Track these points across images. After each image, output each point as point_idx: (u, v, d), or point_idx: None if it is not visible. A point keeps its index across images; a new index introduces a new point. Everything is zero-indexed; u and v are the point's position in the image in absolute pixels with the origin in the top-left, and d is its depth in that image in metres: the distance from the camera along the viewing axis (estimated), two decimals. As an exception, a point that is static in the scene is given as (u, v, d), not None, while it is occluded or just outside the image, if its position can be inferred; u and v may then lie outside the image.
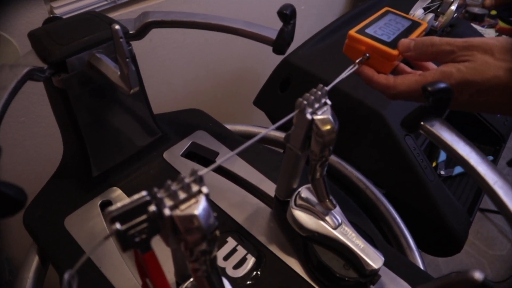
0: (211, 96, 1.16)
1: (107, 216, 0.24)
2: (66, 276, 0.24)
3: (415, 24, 0.49)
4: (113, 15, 0.82)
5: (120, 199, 0.53)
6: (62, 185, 0.54)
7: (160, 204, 0.26)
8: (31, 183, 0.85)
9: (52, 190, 0.54)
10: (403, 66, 0.47)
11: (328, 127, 0.35)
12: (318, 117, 0.35)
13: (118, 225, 0.24)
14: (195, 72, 1.06)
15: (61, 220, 0.49)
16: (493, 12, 1.47)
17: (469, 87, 0.39)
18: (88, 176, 0.53)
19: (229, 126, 0.67)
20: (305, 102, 0.35)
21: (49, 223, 0.50)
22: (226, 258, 0.46)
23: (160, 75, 0.98)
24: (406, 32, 0.47)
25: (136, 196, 0.25)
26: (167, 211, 0.26)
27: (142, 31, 0.49)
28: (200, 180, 0.27)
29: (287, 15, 0.41)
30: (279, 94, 0.76)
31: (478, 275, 0.22)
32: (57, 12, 0.74)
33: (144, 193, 0.26)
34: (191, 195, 0.27)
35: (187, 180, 0.27)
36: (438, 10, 0.62)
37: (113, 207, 0.24)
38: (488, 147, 0.83)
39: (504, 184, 0.33)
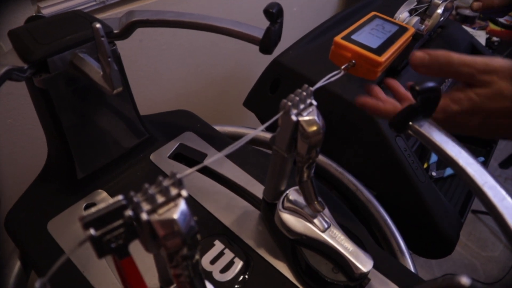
0: (202, 97, 1.15)
1: (81, 221, 0.23)
2: (38, 284, 0.23)
3: (402, 29, 0.48)
4: (102, 16, 0.81)
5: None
6: (45, 187, 0.53)
7: (137, 209, 0.25)
8: (18, 186, 0.83)
9: (35, 193, 0.53)
10: (405, 92, 0.47)
11: (314, 128, 0.35)
12: (303, 118, 0.34)
13: (92, 231, 0.23)
14: (185, 73, 1.05)
15: (44, 224, 0.48)
16: (485, 14, 1.47)
17: (480, 113, 0.39)
18: (72, 178, 0.51)
19: (218, 128, 0.66)
20: (289, 103, 0.34)
21: (31, 226, 0.48)
22: (213, 261, 0.45)
23: (150, 76, 0.97)
24: (393, 38, 0.46)
25: (111, 201, 0.24)
26: (144, 216, 0.25)
27: (127, 31, 0.47)
28: (179, 183, 0.26)
29: (274, 14, 0.40)
30: (269, 95, 0.75)
31: (465, 280, 0.21)
32: (44, 12, 0.73)
33: (120, 197, 0.25)
34: (170, 199, 0.26)
35: (165, 183, 0.26)
36: (426, 13, 0.61)
37: (87, 212, 0.24)
38: (479, 148, 0.83)
39: (494, 185, 0.33)
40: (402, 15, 0.54)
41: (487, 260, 1.51)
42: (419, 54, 0.42)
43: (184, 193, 0.26)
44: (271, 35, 0.43)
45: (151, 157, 0.57)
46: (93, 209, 0.24)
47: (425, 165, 0.77)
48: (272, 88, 0.75)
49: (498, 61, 0.39)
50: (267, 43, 0.43)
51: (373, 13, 0.51)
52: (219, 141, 0.60)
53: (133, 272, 0.27)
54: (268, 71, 0.76)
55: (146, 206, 0.25)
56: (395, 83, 0.48)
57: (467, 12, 1.42)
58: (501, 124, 0.39)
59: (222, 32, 0.46)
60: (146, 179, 0.54)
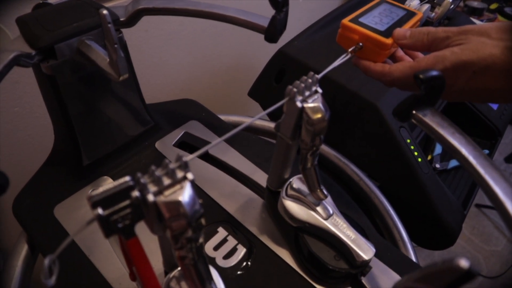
0: (207, 86, 1.15)
1: (89, 200, 0.24)
2: (47, 261, 0.23)
3: (410, 14, 0.48)
4: (109, 4, 0.81)
5: (111, 188, 0.52)
6: (52, 173, 0.54)
7: (143, 190, 0.25)
8: (25, 173, 0.84)
9: (42, 179, 0.53)
10: (402, 54, 0.47)
11: (319, 115, 0.35)
12: (308, 105, 0.35)
13: (100, 210, 0.24)
14: (191, 63, 1.05)
15: (51, 209, 0.49)
16: (493, 6, 1.46)
17: (465, 69, 0.38)
18: (79, 165, 0.52)
19: (223, 117, 0.66)
20: (295, 89, 0.34)
21: (38, 211, 0.49)
22: (216, 248, 0.46)
23: (156, 66, 0.97)
24: (401, 22, 0.46)
25: (119, 181, 0.25)
26: (150, 197, 0.25)
27: (133, 19, 0.48)
28: (185, 166, 0.26)
29: (279, 2, 0.40)
30: (274, 85, 0.75)
31: (463, 263, 0.22)
32: (51, 0, 0.73)
33: (127, 178, 0.25)
34: (176, 181, 0.26)
35: (172, 166, 0.26)
36: (435, 1, 0.61)
37: (95, 192, 0.24)
38: (484, 141, 0.83)
39: (496, 174, 0.33)
40: (413, 2, 0.54)
41: (490, 254, 1.52)
42: (401, 29, 0.44)
43: (190, 176, 0.26)
44: (277, 24, 0.43)
45: (156, 145, 0.57)
46: (101, 189, 0.24)
47: (429, 157, 0.78)
48: (277, 78, 0.75)
49: (473, 25, 0.40)
50: (272, 32, 0.43)
51: None
52: (223, 130, 0.61)
53: (138, 253, 0.28)
54: (273, 61, 0.76)
55: (152, 188, 0.26)
56: None
57: (475, 4, 1.41)
58: (488, 88, 0.38)
59: (228, 20, 0.47)
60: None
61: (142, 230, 0.27)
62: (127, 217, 0.25)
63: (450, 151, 0.36)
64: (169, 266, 0.38)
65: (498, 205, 0.31)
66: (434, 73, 0.34)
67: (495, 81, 0.37)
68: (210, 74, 1.13)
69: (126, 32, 0.50)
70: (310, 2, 1.26)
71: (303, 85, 0.35)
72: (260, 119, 0.71)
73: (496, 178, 0.33)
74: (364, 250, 0.41)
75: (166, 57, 0.98)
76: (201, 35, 1.01)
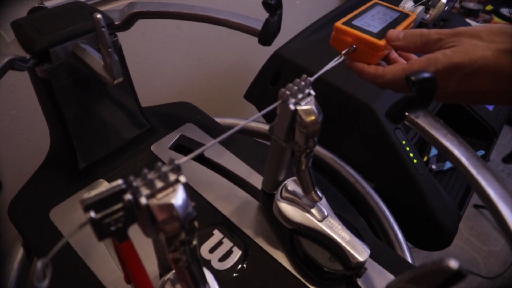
0: (204, 89, 1.16)
1: (81, 204, 0.24)
2: (39, 264, 0.23)
3: (403, 16, 0.48)
4: (105, 8, 0.81)
5: (107, 191, 0.52)
6: (48, 177, 0.54)
7: (136, 193, 0.25)
8: (22, 176, 0.84)
9: (38, 182, 0.53)
10: (396, 55, 0.47)
11: (312, 117, 0.35)
12: (301, 107, 0.35)
13: (92, 213, 0.24)
14: (188, 66, 1.05)
15: (46, 212, 0.49)
16: (489, 8, 1.47)
17: (457, 71, 0.38)
18: (74, 168, 0.52)
19: (218, 119, 0.66)
20: (288, 92, 0.34)
21: (34, 214, 0.49)
22: (211, 250, 0.46)
23: (153, 69, 0.97)
24: (394, 23, 0.46)
25: (111, 184, 0.25)
26: (143, 200, 0.25)
27: (128, 22, 0.48)
28: (177, 169, 0.27)
29: (272, 5, 0.40)
30: (270, 87, 0.75)
31: (453, 264, 0.22)
32: (48, 4, 0.73)
33: (120, 181, 0.25)
34: (168, 184, 0.26)
35: (164, 169, 0.26)
36: (429, 3, 0.61)
37: (87, 195, 0.24)
38: (480, 141, 0.83)
39: (488, 175, 0.33)
40: (407, 4, 0.54)
41: (488, 254, 1.52)
42: (394, 31, 0.44)
43: (182, 179, 0.27)
44: (270, 27, 0.43)
45: (152, 147, 0.58)
46: (93, 193, 0.24)
47: (425, 158, 0.78)
48: (273, 80, 0.75)
49: (465, 27, 0.40)
50: (266, 35, 0.44)
51: (374, 0, 0.51)
52: (219, 132, 0.61)
53: (132, 256, 0.28)
54: (269, 64, 0.76)
55: (145, 191, 0.26)
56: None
57: (471, 5, 1.42)
58: (480, 90, 0.39)
59: (222, 23, 0.47)
60: (147, 169, 0.55)
61: (137, 232, 0.28)
62: (120, 220, 0.25)
63: (443, 153, 0.36)
64: (164, 269, 0.38)
65: (490, 206, 0.32)
66: (426, 75, 0.34)
67: (487, 83, 0.37)
68: (207, 77, 1.13)
69: (123, 35, 0.50)
70: (308, 3, 1.27)
71: (296, 87, 0.35)
72: (255, 121, 0.71)
73: (488, 179, 0.33)
74: (359, 251, 0.41)
75: (163, 59, 0.98)
76: (198, 38, 1.02)
